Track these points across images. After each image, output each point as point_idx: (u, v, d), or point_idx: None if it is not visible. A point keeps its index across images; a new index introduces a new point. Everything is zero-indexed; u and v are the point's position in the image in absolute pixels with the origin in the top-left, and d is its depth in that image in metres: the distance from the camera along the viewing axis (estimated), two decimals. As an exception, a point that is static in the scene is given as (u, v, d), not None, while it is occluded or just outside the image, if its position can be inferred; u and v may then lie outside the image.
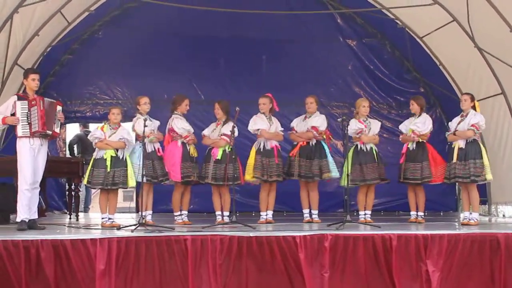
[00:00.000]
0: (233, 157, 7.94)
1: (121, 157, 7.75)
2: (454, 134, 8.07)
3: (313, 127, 8.43)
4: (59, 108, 7.52)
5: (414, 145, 8.35)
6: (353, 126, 8.33)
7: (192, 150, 8.17)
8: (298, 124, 8.58)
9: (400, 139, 8.61)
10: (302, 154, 8.41)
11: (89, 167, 7.74)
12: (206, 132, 8.34)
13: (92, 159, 7.76)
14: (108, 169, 7.62)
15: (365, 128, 8.39)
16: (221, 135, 8.08)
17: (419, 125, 8.35)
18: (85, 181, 7.87)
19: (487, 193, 11.00)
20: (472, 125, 7.95)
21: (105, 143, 7.69)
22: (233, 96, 10.61)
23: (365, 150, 8.37)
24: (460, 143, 7.98)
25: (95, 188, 7.83)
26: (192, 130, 8.22)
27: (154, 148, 7.97)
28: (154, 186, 8.10)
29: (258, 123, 8.35)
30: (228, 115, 8.28)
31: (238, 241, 6.28)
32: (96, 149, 7.77)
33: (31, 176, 7.08)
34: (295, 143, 8.53)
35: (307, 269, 6.20)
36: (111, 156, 7.67)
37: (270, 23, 11.53)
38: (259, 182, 8.37)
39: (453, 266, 6.39)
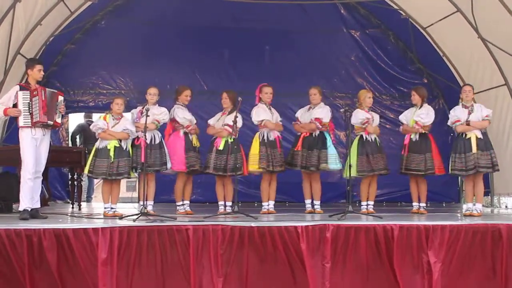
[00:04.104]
0: (235, 147, 7.95)
1: (124, 148, 7.74)
2: (468, 124, 8.00)
3: (316, 119, 8.39)
4: (60, 98, 7.51)
5: (417, 136, 8.34)
6: (360, 115, 8.29)
7: (194, 140, 8.17)
8: (303, 115, 8.54)
9: (401, 130, 8.60)
10: (304, 144, 8.38)
11: (91, 157, 7.70)
12: (211, 121, 8.33)
13: (94, 149, 7.72)
14: (112, 159, 7.59)
15: (371, 118, 8.40)
16: (224, 125, 8.07)
17: (422, 116, 8.31)
18: (86, 171, 7.80)
19: (490, 184, 10.99)
20: (486, 116, 7.96)
21: (108, 134, 7.67)
22: (236, 86, 10.54)
23: (370, 140, 8.38)
24: (477, 134, 7.92)
25: (97, 178, 7.80)
26: (194, 120, 8.22)
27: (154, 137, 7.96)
28: (156, 176, 8.14)
29: (261, 114, 8.33)
30: (234, 106, 8.27)
31: (240, 231, 6.28)
32: (99, 139, 7.74)
33: (33, 166, 7.08)
34: (299, 133, 8.52)
35: (309, 259, 6.20)
36: (115, 147, 7.65)
37: (274, 14, 11.49)
38: (261, 173, 8.37)
39: (454, 257, 6.40)
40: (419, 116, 8.33)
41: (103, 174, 7.61)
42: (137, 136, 7.63)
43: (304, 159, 8.35)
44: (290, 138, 9.12)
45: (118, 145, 7.67)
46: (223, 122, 8.11)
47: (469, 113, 8.02)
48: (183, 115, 8.10)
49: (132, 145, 7.88)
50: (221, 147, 8.03)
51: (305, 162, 8.35)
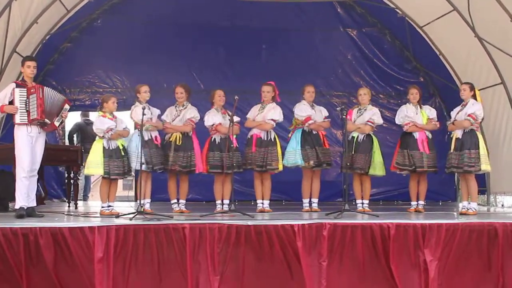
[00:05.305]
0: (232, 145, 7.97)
1: (124, 145, 7.81)
2: (453, 124, 8.07)
3: (325, 117, 8.52)
4: (67, 106, 7.56)
5: (431, 135, 8.40)
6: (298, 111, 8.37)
7: (172, 138, 8.13)
8: (315, 114, 8.43)
9: (408, 128, 8.39)
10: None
11: (101, 158, 7.56)
12: (221, 120, 8.18)
13: (102, 149, 7.60)
14: (123, 159, 7.65)
15: (350, 117, 8.34)
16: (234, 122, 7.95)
17: (434, 113, 8.47)
18: (100, 172, 7.61)
19: (486, 183, 11.01)
20: (469, 115, 7.92)
21: (118, 134, 7.67)
22: (233, 85, 10.60)
23: (349, 138, 8.33)
24: (457, 133, 7.98)
25: (117, 178, 7.72)
26: (169, 120, 8.17)
27: (151, 136, 7.96)
28: (152, 175, 8.13)
29: (249, 113, 8.41)
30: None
31: (237, 229, 6.28)
32: (107, 139, 7.62)
33: (28, 164, 7.08)
34: (315, 132, 8.36)
35: (305, 257, 6.20)
36: (122, 145, 7.70)
37: (270, 12, 11.51)
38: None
39: (450, 255, 6.40)
40: (433, 114, 8.45)
41: (121, 174, 7.66)
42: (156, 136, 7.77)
43: (327, 156, 8.44)
44: (284, 135, 9.10)
45: (124, 144, 7.72)
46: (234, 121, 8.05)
47: (458, 112, 8.06)
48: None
49: (152, 144, 7.92)
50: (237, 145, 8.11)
51: (322, 159, 8.35)
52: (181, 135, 8.13)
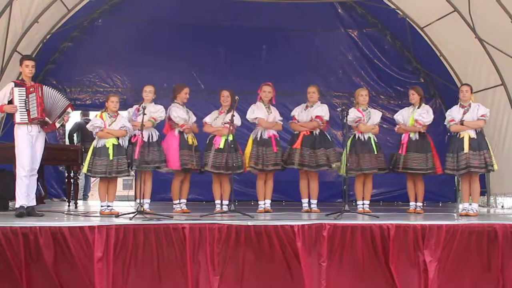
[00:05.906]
0: (232, 146, 7.93)
1: (122, 145, 7.76)
2: (462, 124, 8.02)
3: (317, 117, 8.37)
4: (69, 110, 7.59)
5: (417, 136, 8.34)
6: (352, 114, 8.30)
7: (190, 138, 8.15)
8: (300, 114, 8.48)
9: (396, 129, 8.55)
10: (305, 143, 8.30)
11: (89, 156, 7.70)
12: (208, 119, 8.31)
13: (92, 148, 7.73)
14: (111, 157, 7.61)
15: (363, 117, 8.38)
16: (225, 123, 8.04)
17: (424, 115, 8.32)
18: (84, 170, 7.81)
19: (486, 184, 11.01)
20: (482, 115, 7.94)
21: (106, 132, 7.67)
22: (233, 85, 10.48)
23: (362, 139, 8.36)
24: (471, 133, 7.92)
25: (97, 177, 7.77)
26: (193, 118, 8.21)
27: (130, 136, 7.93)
28: (153, 175, 8.13)
29: (256, 112, 8.34)
30: (231, 104, 8.28)
31: (236, 230, 6.28)
32: (96, 137, 7.73)
33: (28, 163, 7.08)
34: (296, 132, 8.47)
35: (305, 258, 6.20)
36: (113, 145, 7.67)
37: (271, 13, 11.52)
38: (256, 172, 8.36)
39: (450, 256, 6.40)
40: (421, 115, 8.32)
41: (103, 173, 7.62)
42: (134, 134, 7.63)
43: (307, 158, 8.27)
44: (286, 136, 9.11)
45: (116, 143, 7.68)
46: (223, 121, 8.08)
47: (464, 113, 8.03)
48: (177, 114, 8.10)
49: (129, 143, 7.89)
50: (221, 146, 8.02)
51: (308, 161, 8.27)
52: (194, 137, 8.22)
